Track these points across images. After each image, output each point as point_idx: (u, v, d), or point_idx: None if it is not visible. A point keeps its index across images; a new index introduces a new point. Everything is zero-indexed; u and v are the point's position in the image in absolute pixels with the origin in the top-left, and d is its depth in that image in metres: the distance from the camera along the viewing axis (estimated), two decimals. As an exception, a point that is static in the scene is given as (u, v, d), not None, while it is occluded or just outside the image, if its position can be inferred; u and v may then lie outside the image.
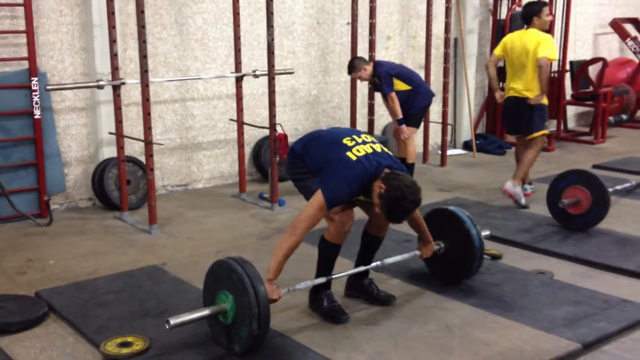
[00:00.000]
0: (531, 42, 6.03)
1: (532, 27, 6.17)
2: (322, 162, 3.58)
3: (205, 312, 3.31)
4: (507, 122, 6.63)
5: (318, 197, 3.42)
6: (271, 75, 5.87)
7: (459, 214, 4.18)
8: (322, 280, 3.71)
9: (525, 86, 6.12)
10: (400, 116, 6.44)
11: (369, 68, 6.51)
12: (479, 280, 4.32)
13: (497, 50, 6.41)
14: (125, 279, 4.34)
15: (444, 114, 8.09)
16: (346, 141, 3.60)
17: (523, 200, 6.11)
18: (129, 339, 3.45)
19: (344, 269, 3.93)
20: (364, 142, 3.61)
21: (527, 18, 6.20)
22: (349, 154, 3.51)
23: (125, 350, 3.35)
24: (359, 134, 3.72)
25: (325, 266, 3.76)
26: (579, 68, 9.71)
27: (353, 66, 6.57)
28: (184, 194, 6.64)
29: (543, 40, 6.01)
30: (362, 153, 3.52)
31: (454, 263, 4.19)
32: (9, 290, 4.20)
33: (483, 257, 4.16)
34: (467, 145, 8.89)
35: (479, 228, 4.14)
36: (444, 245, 4.15)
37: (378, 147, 3.63)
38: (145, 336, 3.49)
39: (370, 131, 7.38)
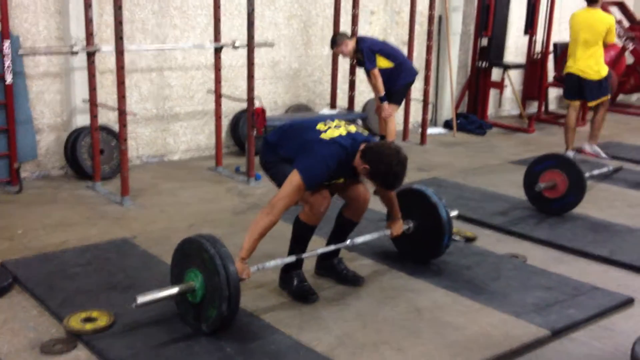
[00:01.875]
0: (601, 24, 6.86)
1: (596, 6, 6.92)
2: (296, 147, 3.55)
3: (174, 290, 3.25)
4: (570, 91, 7.28)
5: (295, 176, 3.37)
6: (251, 47, 5.76)
7: (428, 193, 4.17)
8: (292, 259, 3.67)
9: (588, 66, 6.99)
10: (383, 93, 6.38)
11: (351, 43, 6.41)
12: (451, 262, 4.30)
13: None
14: (94, 252, 4.26)
15: (426, 92, 8.03)
16: (319, 126, 3.62)
17: (603, 154, 7.16)
18: (94, 314, 3.39)
19: (316, 247, 3.89)
20: (337, 126, 3.61)
21: None
22: (323, 136, 3.51)
23: (89, 326, 3.28)
24: (332, 119, 3.73)
25: (297, 246, 3.72)
26: (562, 50, 9.66)
27: (335, 41, 6.48)
28: (159, 166, 6.54)
29: (612, 26, 6.92)
30: (337, 134, 3.52)
31: (423, 243, 4.19)
32: (-26, 259, 4.11)
33: (451, 237, 4.14)
34: (447, 124, 8.85)
35: (447, 208, 4.12)
36: (413, 224, 4.12)
37: (352, 128, 3.64)
38: (110, 311, 3.42)
39: (351, 107, 7.32)
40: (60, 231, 4.67)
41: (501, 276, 4.15)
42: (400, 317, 3.57)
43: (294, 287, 3.75)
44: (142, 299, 3.11)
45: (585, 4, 7.04)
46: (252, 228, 3.39)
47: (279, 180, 3.57)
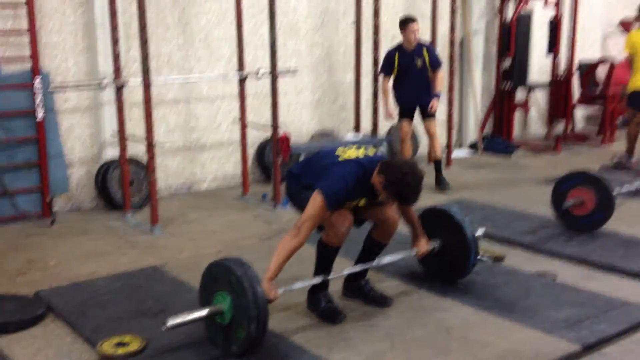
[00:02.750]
0: None
1: None
2: (317, 173, 3.64)
3: (203, 312, 3.30)
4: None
5: (317, 197, 3.43)
6: (274, 75, 5.86)
7: (452, 211, 4.18)
8: (318, 280, 3.69)
9: None
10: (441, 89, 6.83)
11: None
12: (479, 281, 4.29)
13: (627, 48, 7.63)
14: (125, 280, 4.33)
15: (450, 115, 8.04)
16: (338, 151, 3.72)
17: None
18: (126, 339, 3.44)
19: (343, 268, 3.91)
20: (357, 149, 3.72)
21: None
22: (341, 159, 3.62)
23: (121, 350, 3.34)
24: (351, 145, 3.84)
25: (322, 268, 3.74)
26: (587, 69, 9.65)
27: (411, 18, 6.73)
28: (187, 195, 6.64)
29: None
30: (354, 155, 3.62)
31: (449, 262, 4.18)
32: (9, 290, 4.20)
33: (477, 256, 4.13)
34: (473, 147, 8.85)
35: (473, 226, 4.12)
36: (439, 243, 4.13)
37: (370, 151, 3.74)
38: (142, 336, 3.48)
39: (375, 131, 7.35)
40: (91, 261, 4.76)
41: (531, 294, 4.12)
42: (428, 337, 3.56)
43: (321, 308, 3.77)
44: (172, 321, 3.16)
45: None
46: (279, 250, 3.43)
47: (303, 208, 3.61)
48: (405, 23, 6.71)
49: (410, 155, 6.94)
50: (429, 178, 6.41)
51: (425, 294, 4.13)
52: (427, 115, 6.84)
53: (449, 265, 4.20)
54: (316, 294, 3.81)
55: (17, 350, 3.44)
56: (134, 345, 3.38)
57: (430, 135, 6.94)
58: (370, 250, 3.96)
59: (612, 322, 3.71)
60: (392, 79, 6.86)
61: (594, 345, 3.48)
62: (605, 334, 3.58)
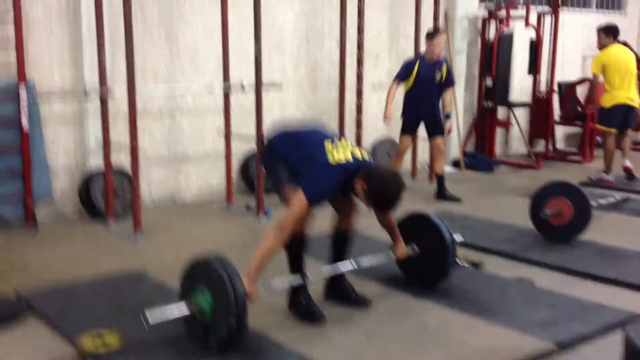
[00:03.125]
0: (632, 58, 7.85)
1: (617, 43, 7.78)
2: (301, 159, 3.65)
3: (184, 311, 3.33)
4: (616, 121, 7.80)
5: (301, 197, 3.48)
6: (258, 87, 5.94)
7: (430, 215, 4.25)
8: (298, 280, 3.74)
9: (636, 95, 7.77)
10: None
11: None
12: (457, 285, 4.34)
13: (596, 69, 7.75)
14: (106, 283, 4.36)
15: (432, 131, 8.15)
16: (327, 145, 3.67)
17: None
18: (105, 336, 3.45)
19: (320, 270, 3.97)
20: (344, 147, 3.69)
21: (617, 35, 7.77)
22: (329, 157, 3.58)
23: (100, 347, 3.35)
24: (339, 137, 3.81)
25: (295, 264, 3.80)
26: (567, 89, 9.83)
27: (438, 31, 6.95)
28: (171, 206, 6.67)
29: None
30: (343, 158, 3.58)
31: (428, 265, 4.25)
32: (-10, 291, 4.21)
33: (455, 257, 4.20)
34: (455, 164, 8.95)
35: (451, 230, 4.20)
36: (417, 247, 4.19)
37: (358, 152, 3.71)
38: (121, 333, 3.49)
39: (358, 146, 7.42)
40: (73, 265, 4.77)
41: (507, 297, 4.19)
42: (406, 335, 3.61)
43: (301, 309, 3.81)
44: (153, 319, 3.20)
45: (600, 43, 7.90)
46: (261, 248, 3.48)
47: (274, 181, 3.76)
48: (433, 35, 6.87)
49: (443, 172, 7.20)
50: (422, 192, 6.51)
51: (404, 296, 4.19)
52: (438, 131, 7.04)
53: (428, 269, 4.26)
54: (296, 294, 3.85)
55: (-4, 348, 3.45)
56: (113, 342, 3.40)
57: (440, 153, 7.12)
58: (340, 244, 3.99)
59: (587, 323, 3.77)
60: (403, 89, 7.01)
61: (569, 344, 3.53)
62: (580, 333, 3.64)
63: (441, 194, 7.08)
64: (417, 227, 4.28)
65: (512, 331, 3.65)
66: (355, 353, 3.38)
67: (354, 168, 3.58)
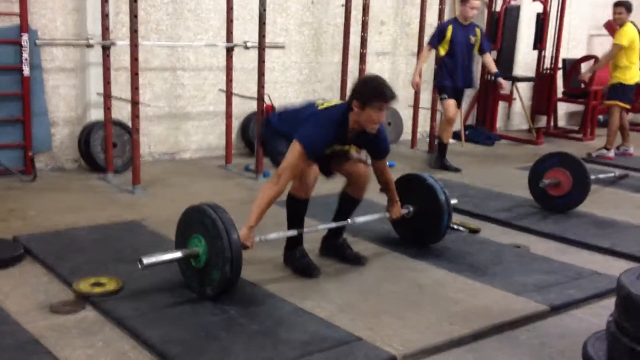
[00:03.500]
0: None
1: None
2: (294, 122, 3.69)
3: (178, 254, 3.35)
4: (629, 97, 7.90)
5: (296, 146, 3.49)
6: (261, 46, 5.90)
7: (425, 176, 4.30)
8: (293, 232, 3.76)
9: None
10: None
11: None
12: (453, 248, 4.37)
13: (626, 42, 7.65)
14: (104, 231, 4.37)
15: (433, 100, 8.13)
16: (317, 103, 3.81)
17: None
18: (102, 280, 3.48)
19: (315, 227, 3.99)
20: (335, 100, 3.80)
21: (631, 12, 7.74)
22: (321, 107, 3.69)
23: (97, 289, 3.38)
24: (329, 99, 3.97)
25: (294, 223, 3.81)
26: (571, 65, 9.77)
27: None
28: (170, 163, 6.66)
29: None
30: (332, 103, 3.73)
31: (423, 226, 4.27)
32: (-12, 236, 4.22)
33: (450, 219, 4.23)
34: (456, 135, 8.91)
35: (446, 192, 4.22)
36: (413, 208, 4.21)
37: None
38: (118, 278, 3.51)
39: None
40: (71, 214, 4.78)
41: (503, 261, 4.21)
42: (401, 291, 3.64)
43: (296, 262, 3.83)
44: (147, 260, 3.22)
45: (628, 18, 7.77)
46: (259, 198, 3.49)
47: (272, 155, 3.77)
48: None
49: (449, 141, 7.07)
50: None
51: (399, 256, 4.21)
52: (458, 100, 6.98)
53: (424, 229, 4.28)
54: (291, 249, 3.87)
55: (-7, 287, 3.46)
56: (110, 286, 3.43)
57: (453, 121, 7.05)
58: (345, 205, 4.02)
59: (580, 288, 3.80)
60: (439, 53, 6.90)
61: (562, 306, 3.56)
62: (574, 297, 3.67)
63: (441, 162, 7.03)
64: (412, 188, 4.30)
65: (506, 293, 3.67)
66: (349, 306, 3.40)
67: (345, 106, 3.64)
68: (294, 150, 3.49)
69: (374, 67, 8.09)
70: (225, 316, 3.18)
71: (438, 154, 7.12)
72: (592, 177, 5.53)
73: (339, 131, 3.62)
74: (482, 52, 6.94)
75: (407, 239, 4.41)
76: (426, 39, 8.07)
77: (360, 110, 3.54)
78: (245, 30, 6.90)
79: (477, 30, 6.86)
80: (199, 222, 3.35)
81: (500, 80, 6.95)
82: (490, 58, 7.01)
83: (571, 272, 4.05)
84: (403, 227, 4.39)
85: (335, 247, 4.08)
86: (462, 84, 6.89)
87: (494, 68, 7.02)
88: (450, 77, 6.81)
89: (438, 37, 6.79)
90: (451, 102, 6.82)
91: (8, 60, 5.58)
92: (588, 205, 5.42)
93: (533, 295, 3.64)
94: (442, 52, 6.83)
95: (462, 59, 6.78)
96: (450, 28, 6.74)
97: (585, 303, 3.66)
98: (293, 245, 3.87)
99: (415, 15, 8.21)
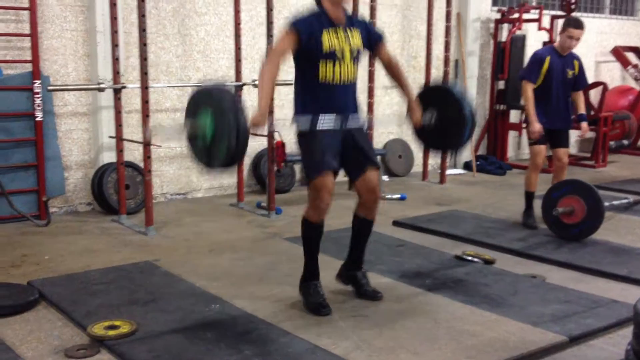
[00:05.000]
0: None
1: None
2: None
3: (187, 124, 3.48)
4: None
5: (282, 29, 3.62)
6: (270, 84, 5.95)
7: (448, 86, 4.22)
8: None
9: None
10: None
11: None
12: (469, 280, 4.34)
13: None
14: (117, 272, 4.37)
15: (444, 132, 8.13)
16: None
17: None
18: (117, 323, 3.48)
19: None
20: None
21: None
22: None
23: (111, 332, 3.37)
24: None
25: (309, 248, 3.80)
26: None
27: (579, 24, 5.69)
28: (183, 202, 6.70)
29: None
30: None
31: (445, 132, 4.09)
32: (3, 281, 4.23)
33: (474, 127, 4.09)
34: (467, 166, 8.93)
35: (470, 101, 4.10)
36: (435, 114, 4.04)
37: None
38: (132, 321, 3.51)
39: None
40: (85, 257, 4.79)
41: (519, 292, 4.17)
42: (417, 326, 3.60)
43: (308, 298, 3.80)
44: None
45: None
46: (260, 83, 3.54)
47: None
48: (569, 24, 5.69)
49: (535, 190, 5.93)
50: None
51: (414, 290, 4.17)
52: (564, 142, 5.90)
53: (445, 135, 4.11)
54: (307, 281, 3.85)
55: (8, 333, 3.47)
56: (125, 328, 3.42)
57: (563, 167, 5.87)
58: (359, 230, 3.96)
59: (599, 317, 3.75)
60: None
61: (581, 337, 3.51)
62: (592, 327, 3.61)
63: (525, 215, 5.93)
64: (434, 98, 4.12)
65: (523, 324, 3.63)
66: (365, 343, 3.36)
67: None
68: (280, 32, 3.60)
69: (382, 101, 8.16)
70: (240, 356, 3.16)
71: (525, 204, 6.01)
72: (606, 203, 5.49)
73: (320, 18, 3.63)
74: (575, 88, 5.86)
75: (428, 145, 4.41)
76: (434, 71, 8.18)
77: None
78: (254, 69, 6.98)
79: (576, 63, 5.83)
80: (207, 98, 3.40)
81: (584, 124, 5.92)
82: (582, 97, 5.94)
83: (588, 301, 4.00)
84: (425, 134, 4.22)
85: (354, 279, 4.05)
86: (560, 124, 5.80)
87: (582, 109, 5.91)
88: (544, 117, 5.70)
89: (537, 70, 5.71)
90: (541, 149, 5.78)
91: (21, 106, 5.67)
92: (603, 232, 5.38)
93: (551, 326, 3.60)
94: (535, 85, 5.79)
95: (558, 95, 5.74)
96: (548, 59, 5.71)
97: (604, 332, 3.61)
98: (309, 277, 3.85)
99: (421, 47, 8.28)
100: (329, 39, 3.61)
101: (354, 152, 3.78)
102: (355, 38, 3.72)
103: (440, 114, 4.05)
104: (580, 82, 5.88)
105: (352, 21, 3.78)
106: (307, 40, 3.56)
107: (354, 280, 4.04)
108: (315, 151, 3.66)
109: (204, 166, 3.50)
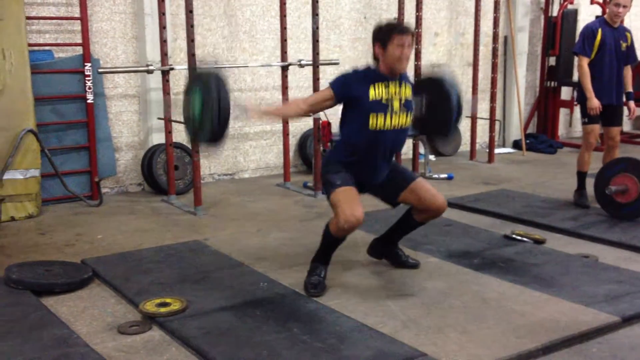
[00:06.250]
0: None
1: None
2: None
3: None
4: None
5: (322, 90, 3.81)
6: (316, 63, 5.95)
7: (439, 75, 4.12)
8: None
9: None
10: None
11: None
12: (518, 260, 4.28)
13: None
14: (168, 251, 4.45)
15: (492, 110, 8.02)
16: None
17: None
18: (168, 300, 3.54)
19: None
20: None
21: None
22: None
23: (163, 310, 3.43)
24: None
25: (323, 253, 3.82)
26: (635, 67, 9.47)
27: None
28: (230, 183, 6.76)
29: None
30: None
31: (432, 121, 4.04)
32: (58, 259, 4.34)
33: (461, 113, 4.03)
34: (516, 145, 8.78)
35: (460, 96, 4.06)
36: (424, 102, 4.02)
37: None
38: (183, 298, 3.57)
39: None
40: (137, 236, 4.89)
41: (570, 272, 4.09)
42: (465, 306, 3.57)
43: (306, 279, 3.80)
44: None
45: None
46: (288, 106, 3.84)
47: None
48: None
49: (588, 170, 5.76)
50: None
51: (462, 269, 4.14)
52: (616, 120, 5.71)
53: (433, 123, 4.08)
54: (316, 262, 3.84)
55: (63, 310, 3.56)
56: (176, 306, 3.48)
57: (615, 146, 5.75)
58: (408, 225, 4.00)
59: (653, 297, 3.66)
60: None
61: (633, 317, 3.44)
62: (647, 308, 3.54)
63: (577, 195, 5.80)
64: (428, 87, 4.09)
65: (575, 304, 3.56)
66: (413, 322, 3.36)
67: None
68: (321, 91, 3.81)
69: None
70: (288, 334, 3.19)
71: (577, 183, 5.86)
72: (662, 181, 5.34)
73: (368, 74, 3.69)
74: (626, 62, 5.64)
75: (423, 131, 4.40)
76: (482, 48, 8.04)
77: (383, 52, 3.61)
78: (300, 49, 6.99)
79: (628, 36, 5.62)
80: (200, 79, 3.61)
81: (631, 104, 5.68)
82: (630, 72, 5.69)
83: (642, 282, 3.91)
84: (419, 120, 4.15)
85: (390, 253, 4.13)
86: (614, 99, 5.61)
87: (629, 86, 5.67)
88: (598, 93, 5.50)
89: (590, 43, 5.52)
90: (595, 128, 5.64)
91: (72, 89, 5.79)
92: (658, 211, 5.23)
93: (603, 307, 3.53)
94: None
95: (611, 70, 5.55)
96: (599, 32, 5.51)
97: (659, 313, 3.52)
98: (320, 260, 3.85)
99: (469, 24, 8.13)
100: (381, 96, 3.66)
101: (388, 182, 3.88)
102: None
103: (429, 102, 4.07)
104: (631, 55, 5.68)
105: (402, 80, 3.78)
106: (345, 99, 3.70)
107: (389, 254, 4.12)
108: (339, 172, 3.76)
109: (193, 139, 3.88)
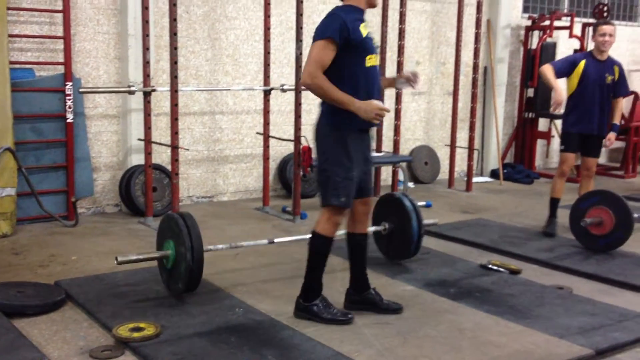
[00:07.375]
0: None
1: None
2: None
3: (152, 254, 4.01)
4: None
5: (315, 44, 3.50)
6: (298, 89, 5.98)
7: (403, 199, 4.62)
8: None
9: None
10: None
11: None
12: (494, 290, 4.30)
13: None
14: (143, 274, 4.40)
15: (471, 139, 8.09)
16: None
17: None
18: (142, 325, 3.51)
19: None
20: None
21: None
22: None
23: (136, 334, 3.40)
24: None
25: (316, 267, 3.70)
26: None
27: (607, 21, 5.76)
28: (209, 205, 6.73)
29: None
30: None
31: (398, 243, 4.64)
32: (30, 280, 4.28)
33: (421, 238, 4.59)
34: (494, 174, 8.86)
35: (421, 214, 4.55)
36: (389, 226, 4.62)
37: None
38: (157, 323, 3.54)
39: (395, 152, 7.42)
40: (111, 258, 4.75)
41: (545, 303, 4.12)
42: (441, 335, 3.58)
43: (325, 315, 3.69)
44: (122, 258, 3.89)
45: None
46: (324, 89, 3.45)
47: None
48: (598, 24, 5.69)
49: (560, 197, 5.89)
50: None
51: (438, 298, 4.15)
52: (594, 151, 5.81)
53: (399, 245, 4.66)
54: (313, 300, 3.72)
55: (35, 332, 3.51)
56: (149, 331, 3.44)
57: (590, 176, 5.86)
58: (357, 245, 3.89)
59: (626, 331, 3.70)
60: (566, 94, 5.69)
61: (607, 350, 3.46)
62: (619, 341, 3.57)
63: (548, 221, 5.90)
64: (391, 208, 4.65)
65: (549, 336, 3.59)
66: (388, 351, 3.35)
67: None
68: (316, 46, 3.46)
69: (409, 107, 8.15)
70: (263, 361, 3.17)
71: (549, 210, 5.96)
72: (636, 215, 5.41)
73: (352, 13, 3.56)
74: (615, 95, 5.73)
75: (387, 254, 4.83)
76: (462, 78, 8.13)
77: None
78: (282, 73, 7.02)
79: (616, 69, 5.69)
80: (169, 228, 3.83)
81: (611, 135, 5.74)
82: (620, 105, 5.77)
83: (615, 314, 3.94)
84: (383, 243, 4.81)
85: (367, 301, 3.89)
86: (596, 130, 5.68)
87: (616, 118, 5.76)
88: (578, 123, 5.67)
89: (564, 67, 5.66)
90: (570, 157, 5.77)
91: (52, 108, 5.76)
92: (632, 244, 5.31)
93: (577, 339, 3.55)
94: (569, 90, 5.72)
95: (593, 100, 5.61)
96: (583, 63, 5.62)
97: (632, 346, 3.56)
98: (313, 296, 3.73)
99: (450, 54, 8.24)
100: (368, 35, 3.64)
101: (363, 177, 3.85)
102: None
103: (394, 226, 4.60)
104: (620, 88, 5.74)
105: None
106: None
107: (368, 302, 3.89)
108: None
109: (171, 292, 3.99)
